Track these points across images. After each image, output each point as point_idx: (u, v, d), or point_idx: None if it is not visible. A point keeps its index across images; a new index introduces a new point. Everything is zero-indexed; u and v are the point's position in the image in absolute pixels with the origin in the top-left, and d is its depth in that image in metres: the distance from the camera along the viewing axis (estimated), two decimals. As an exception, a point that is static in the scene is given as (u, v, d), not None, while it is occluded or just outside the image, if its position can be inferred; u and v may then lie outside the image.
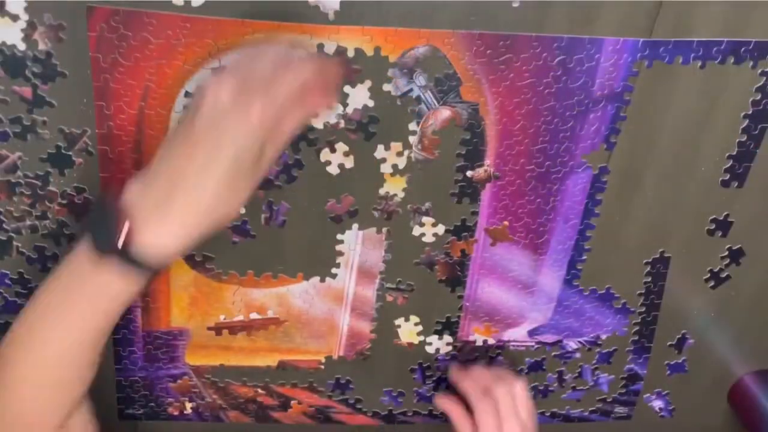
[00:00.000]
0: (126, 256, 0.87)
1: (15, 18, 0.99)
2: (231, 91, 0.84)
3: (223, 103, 0.83)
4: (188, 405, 1.31)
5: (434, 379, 1.35)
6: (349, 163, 1.14)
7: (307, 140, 1.11)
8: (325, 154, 1.13)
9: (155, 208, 0.86)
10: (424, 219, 1.20)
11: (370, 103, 1.09)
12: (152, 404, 1.31)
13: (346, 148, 1.13)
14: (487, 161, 1.15)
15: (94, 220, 0.93)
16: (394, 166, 1.14)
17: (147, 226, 0.86)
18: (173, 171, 0.86)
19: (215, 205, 0.87)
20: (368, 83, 1.08)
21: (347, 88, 1.08)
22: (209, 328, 1.25)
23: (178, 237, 0.88)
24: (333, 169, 1.14)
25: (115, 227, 0.86)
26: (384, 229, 1.19)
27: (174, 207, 0.86)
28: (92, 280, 0.90)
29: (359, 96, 1.09)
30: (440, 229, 1.22)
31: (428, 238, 1.21)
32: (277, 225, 1.15)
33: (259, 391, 1.32)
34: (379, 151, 1.13)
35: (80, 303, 0.92)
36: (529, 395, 1.21)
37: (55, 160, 1.08)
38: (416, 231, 1.20)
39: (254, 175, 0.88)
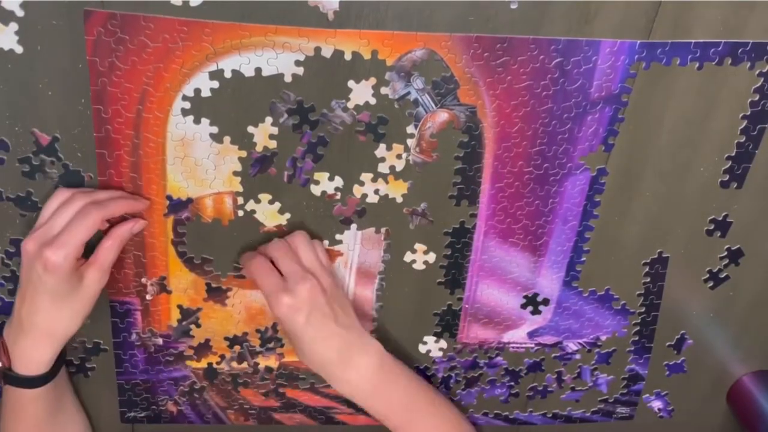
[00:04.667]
0: (10, 379, 1.11)
1: (9, 22, 0.99)
2: (32, 244, 1.04)
3: (27, 255, 1.05)
4: (189, 407, 1.32)
5: (440, 378, 1.36)
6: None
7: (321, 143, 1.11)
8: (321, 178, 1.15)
9: (15, 339, 1.10)
10: (417, 246, 1.22)
11: (373, 101, 1.10)
12: (154, 407, 1.32)
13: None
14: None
15: None
16: (392, 168, 1.14)
17: (14, 354, 1.10)
18: (19, 311, 1.09)
19: (51, 325, 1.09)
20: (372, 80, 1.08)
21: (351, 83, 1.08)
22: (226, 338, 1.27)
23: (37, 355, 1.11)
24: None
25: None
26: (383, 229, 1.19)
27: (26, 335, 1.09)
28: (12, 403, 1.14)
29: (362, 94, 1.09)
30: (431, 256, 1.24)
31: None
32: (300, 184, 1.15)
33: (261, 392, 1.32)
34: (381, 150, 1.13)
35: (16, 420, 1.16)
36: (313, 241, 1.17)
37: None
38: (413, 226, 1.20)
39: (80, 299, 1.09)
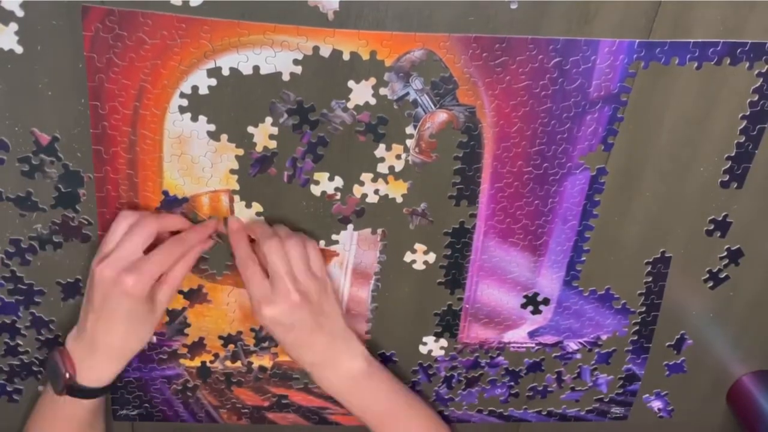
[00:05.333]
0: (73, 391, 1.13)
1: (8, 21, 0.99)
2: (110, 271, 1.06)
3: (105, 280, 1.07)
4: (182, 406, 1.32)
5: (442, 378, 1.35)
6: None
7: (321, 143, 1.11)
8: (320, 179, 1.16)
9: (86, 355, 1.12)
10: (417, 246, 1.22)
11: (372, 101, 1.09)
12: (147, 405, 1.32)
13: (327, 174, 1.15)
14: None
15: (48, 371, 1.15)
16: (391, 168, 1.14)
17: (82, 368, 1.13)
18: (92, 331, 1.11)
19: (125, 344, 1.13)
20: (372, 81, 1.08)
21: (351, 83, 1.08)
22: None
23: (106, 371, 1.14)
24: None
25: (63, 374, 1.11)
26: (379, 230, 1.19)
27: (97, 353, 1.12)
28: (60, 409, 1.16)
29: (362, 94, 1.09)
30: (431, 257, 1.24)
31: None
32: (300, 184, 1.15)
33: (254, 392, 1.32)
34: (380, 150, 1.13)
35: (56, 425, 1.18)
36: (307, 243, 1.16)
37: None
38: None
39: (152, 317, 1.13)
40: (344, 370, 1.19)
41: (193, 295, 1.22)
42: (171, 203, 1.14)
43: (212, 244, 1.17)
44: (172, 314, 1.24)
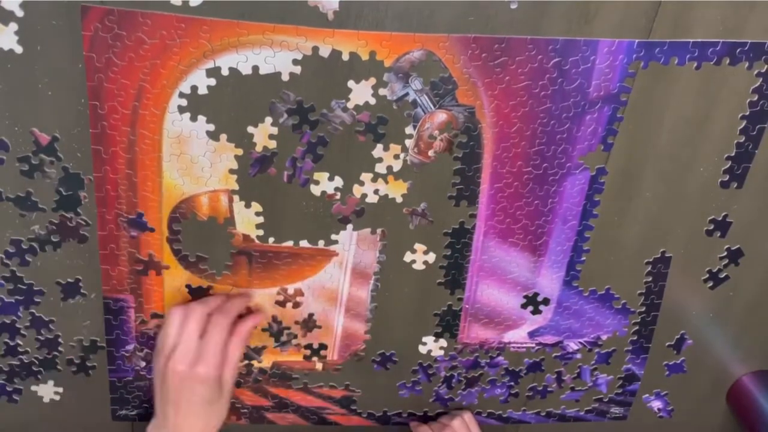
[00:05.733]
0: None
1: (8, 21, 0.99)
2: (183, 366, 1.12)
3: (180, 375, 1.12)
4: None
5: (442, 378, 1.36)
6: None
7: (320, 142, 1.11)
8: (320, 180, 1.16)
9: None
10: (417, 246, 1.22)
11: (372, 101, 1.09)
12: (146, 405, 1.32)
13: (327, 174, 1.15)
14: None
15: None
16: (391, 168, 1.14)
17: None
18: (174, 420, 1.14)
19: (206, 426, 1.16)
20: (372, 81, 1.08)
21: (351, 83, 1.08)
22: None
23: None
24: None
25: None
26: (379, 230, 1.19)
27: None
28: None
29: (361, 94, 1.09)
30: (431, 257, 1.23)
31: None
32: (300, 184, 1.15)
33: (254, 392, 1.33)
34: (378, 150, 1.13)
35: None
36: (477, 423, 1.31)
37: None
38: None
39: (223, 396, 1.17)
40: None
41: (199, 293, 1.22)
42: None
43: (263, 320, 1.26)
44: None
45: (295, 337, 1.28)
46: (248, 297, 1.23)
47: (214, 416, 1.17)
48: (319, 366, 1.31)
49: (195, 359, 1.13)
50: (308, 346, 1.29)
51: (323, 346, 1.29)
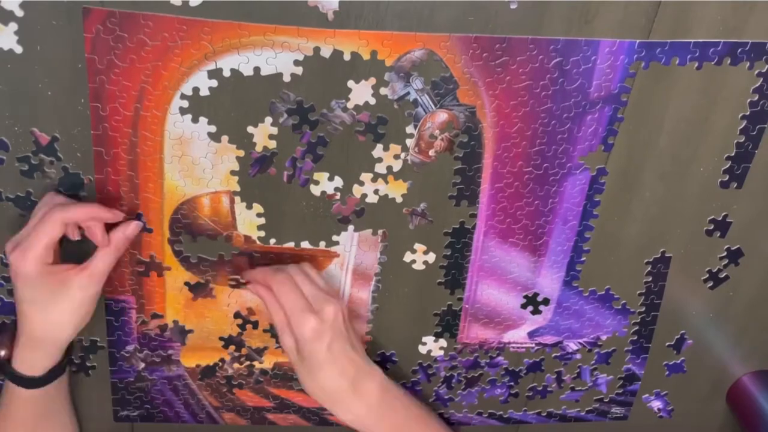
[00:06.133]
0: (13, 377, 1.12)
1: (8, 21, 0.99)
2: (9, 247, 1.05)
3: (8, 261, 1.05)
4: (183, 406, 1.32)
5: (442, 378, 1.36)
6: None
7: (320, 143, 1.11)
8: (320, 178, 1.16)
9: (18, 342, 1.10)
10: (417, 246, 1.22)
11: (372, 101, 1.09)
12: (147, 406, 1.31)
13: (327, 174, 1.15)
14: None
15: None
16: (391, 168, 1.14)
17: (15, 355, 1.11)
18: (17, 317, 1.09)
19: (41, 332, 1.08)
20: (372, 80, 1.08)
21: (351, 83, 1.08)
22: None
23: (32, 356, 1.11)
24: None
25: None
26: (380, 231, 1.19)
27: (20, 339, 1.10)
28: (6, 395, 1.15)
29: (361, 94, 1.09)
30: (431, 257, 1.24)
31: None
32: (300, 184, 1.15)
33: (255, 393, 1.32)
34: (378, 150, 1.13)
35: (9, 412, 1.16)
36: (310, 270, 1.17)
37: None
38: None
39: (69, 302, 1.07)
40: (368, 392, 1.17)
41: (198, 289, 1.22)
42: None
43: (136, 229, 1.11)
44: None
45: None
46: (108, 212, 1.07)
47: (49, 327, 1.09)
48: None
49: (12, 245, 1.04)
50: None
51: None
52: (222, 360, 1.28)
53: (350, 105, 1.09)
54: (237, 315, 1.24)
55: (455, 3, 1.03)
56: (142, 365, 1.27)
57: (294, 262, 1.19)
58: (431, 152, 1.14)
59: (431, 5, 1.03)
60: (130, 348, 1.25)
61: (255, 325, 1.26)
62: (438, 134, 1.12)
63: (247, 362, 1.29)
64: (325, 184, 1.15)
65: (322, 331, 1.11)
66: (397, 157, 1.13)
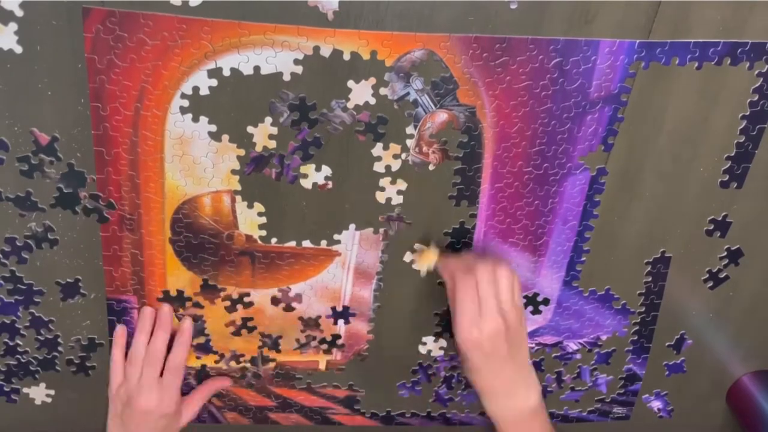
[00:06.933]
0: None
1: (8, 21, 0.98)
2: (148, 404, 1.21)
3: (145, 411, 1.21)
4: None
5: (442, 378, 1.36)
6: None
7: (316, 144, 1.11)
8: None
9: None
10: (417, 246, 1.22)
11: (372, 101, 1.09)
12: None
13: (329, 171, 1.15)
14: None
15: None
16: (387, 168, 1.14)
17: None
18: None
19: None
20: (372, 80, 1.08)
21: (351, 83, 1.08)
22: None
23: None
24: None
25: None
26: (381, 230, 1.19)
27: None
28: None
29: (361, 94, 1.09)
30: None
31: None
32: (288, 181, 1.15)
33: (257, 392, 1.33)
34: (377, 149, 1.13)
35: None
36: (514, 275, 1.14)
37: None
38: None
39: (178, 420, 1.27)
40: (519, 402, 1.16)
41: (208, 290, 1.22)
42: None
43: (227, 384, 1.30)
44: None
45: (314, 339, 1.28)
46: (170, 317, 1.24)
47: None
48: (322, 366, 1.31)
49: (159, 398, 1.20)
50: (322, 341, 1.29)
51: (337, 336, 1.29)
52: (217, 361, 1.29)
53: (350, 105, 1.09)
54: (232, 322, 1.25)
55: (455, 3, 1.03)
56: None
57: (295, 262, 1.19)
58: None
59: (431, 5, 1.03)
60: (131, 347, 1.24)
61: (251, 329, 1.27)
62: (429, 150, 1.13)
63: (243, 364, 1.29)
64: (313, 175, 1.14)
65: (478, 345, 1.10)
66: (396, 157, 1.13)
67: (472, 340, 1.10)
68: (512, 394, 1.15)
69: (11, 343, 1.23)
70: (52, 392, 1.29)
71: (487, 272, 1.11)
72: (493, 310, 1.10)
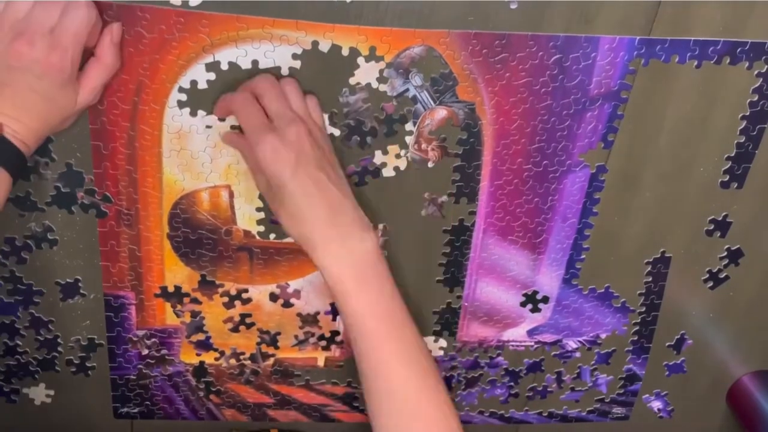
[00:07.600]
0: None
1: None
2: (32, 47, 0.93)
3: (26, 56, 0.93)
4: (183, 403, 1.32)
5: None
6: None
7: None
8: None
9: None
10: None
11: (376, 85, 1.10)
12: (147, 403, 1.32)
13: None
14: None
15: None
16: (396, 168, 1.15)
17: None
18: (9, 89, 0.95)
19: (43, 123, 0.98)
20: (371, 76, 1.08)
21: (350, 79, 1.08)
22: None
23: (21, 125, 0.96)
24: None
25: None
26: (381, 226, 1.19)
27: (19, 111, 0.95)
28: None
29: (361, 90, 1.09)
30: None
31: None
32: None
33: (256, 389, 1.33)
34: (378, 158, 1.14)
35: None
36: (295, 82, 1.06)
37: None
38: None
39: (68, 99, 0.98)
40: (352, 246, 1.01)
41: (206, 286, 1.22)
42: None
43: (118, 30, 1.01)
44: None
45: (313, 335, 1.28)
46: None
47: (52, 116, 0.99)
48: (321, 363, 1.31)
49: (51, 45, 0.93)
50: (321, 337, 1.29)
51: (336, 333, 1.29)
52: (217, 358, 1.29)
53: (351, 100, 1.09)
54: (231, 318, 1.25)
55: (455, 3, 1.03)
56: (143, 362, 1.27)
57: (294, 258, 1.19)
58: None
59: (431, 5, 1.03)
60: (129, 345, 1.25)
61: (249, 326, 1.27)
62: (428, 148, 1.12)
63: (242, 361, 1.29)
64: None
65: (282, 153, 0.99)
66: (398, 156, 1.13)
67: (273, 148, 0.99)
68: (342, 237, 1.02)
69: (11, 344, 1.23)
70: (51, 392, 1.29)
71: (269, 84, 1.04)
72: (288, 115, 1.02)
